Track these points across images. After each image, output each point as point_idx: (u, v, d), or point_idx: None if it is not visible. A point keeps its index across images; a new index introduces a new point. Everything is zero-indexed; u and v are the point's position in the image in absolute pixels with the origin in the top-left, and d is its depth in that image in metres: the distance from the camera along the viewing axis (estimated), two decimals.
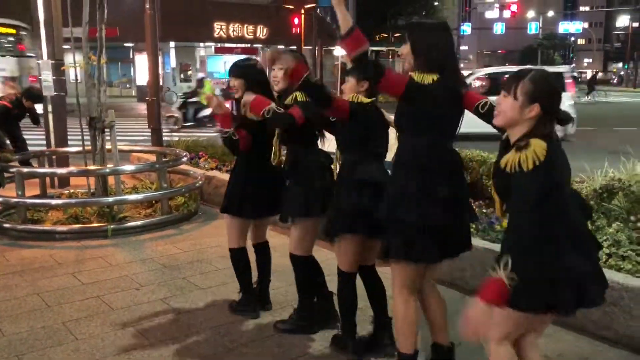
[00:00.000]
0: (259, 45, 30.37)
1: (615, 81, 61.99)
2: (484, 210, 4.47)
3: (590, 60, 70.64)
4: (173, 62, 30.92)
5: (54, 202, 6.06)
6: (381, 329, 3.10)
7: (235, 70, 3.43)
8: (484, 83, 14.33)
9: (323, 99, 2.77)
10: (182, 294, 4.01)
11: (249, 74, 3.38)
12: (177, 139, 9.17)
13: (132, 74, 29.64)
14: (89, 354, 3.17)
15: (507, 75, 2.19)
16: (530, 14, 57.31)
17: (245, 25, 29.27)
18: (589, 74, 59.06)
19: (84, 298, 3.95)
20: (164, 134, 7.39)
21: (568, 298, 1.97)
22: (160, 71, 15.29)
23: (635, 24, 54.20)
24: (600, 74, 62.39)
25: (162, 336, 3.37)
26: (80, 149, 6.36)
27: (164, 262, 4.69)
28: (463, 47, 57.11)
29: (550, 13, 62.28)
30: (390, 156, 3.07)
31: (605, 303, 2.51)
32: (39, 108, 8.06)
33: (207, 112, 12.95)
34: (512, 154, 2.00)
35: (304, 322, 3.36)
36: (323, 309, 3.42)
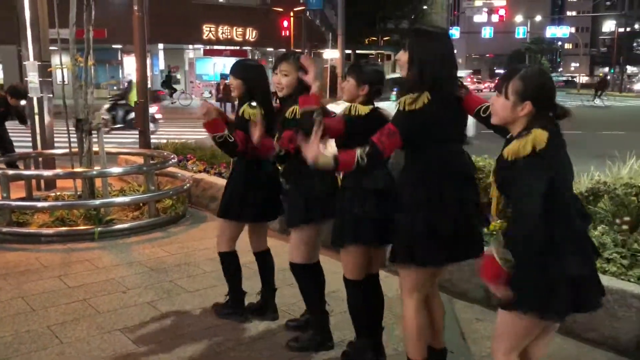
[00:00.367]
0: (248, 48, 30.34)
1: None
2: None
3: (577, 64, 71.42)
4: (162, 64, 30.83)
5: (39, 204, 6.00)
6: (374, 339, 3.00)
7: (236, 69, 3.36)
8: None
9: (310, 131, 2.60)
10: (169, 297, 3.98)
11: (249, 76, 3.33)
12: (165, 141, 9.13)
13: (120, 76, 29.47)
14: (75, 358, 3.14)
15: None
16: (518, 18, 57.73)
17: (235, 28, 29.22)
18: (580, 78, 59.66)
19: (70, 301, 3.91)
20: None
21: (564, 301, 1.97)
22: (149, 73, 15.24)
23: (621, 29, 54.75)
24: (586, 78, 63.08)
25: (149, 340, 3.35)
26: (67, 151, 6.31)
27: (151, 265, 4.66)
28: None
29: (538, 18, 62.85)
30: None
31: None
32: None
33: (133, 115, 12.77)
34: (514, 143, 2.01)
35: (318, 337, 3.20)
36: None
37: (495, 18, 47.98)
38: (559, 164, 2.01)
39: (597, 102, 29.98)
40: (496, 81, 2.21)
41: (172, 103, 26.98)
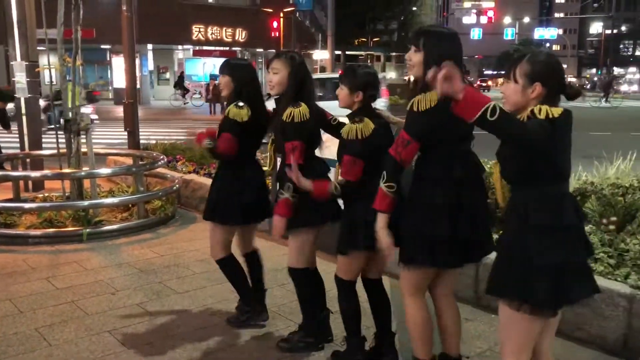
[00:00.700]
0: (238, 49, 30.28)
1: (588, 87, 63.17)
2: None
3: (565, 65, 71.53)
4: (151, 64, 30.66)
5: (27, 205, 5.95)
6: (385, 344, 2.97)
7: (225, 67, 3.31)
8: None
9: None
10: (158, 299, 3.97)
11: (237, 73, 3.28)
12: (154, 142, 9.09)
13: (109, 76, 29.28)
14: None
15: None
16: (507, 20, 58.10)
17: (224, 28, 29.15)
18: (569, 79, 60.13)
19: (58, 303, 3.88)
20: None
21: (545, 293, 1.98)
22: (138, 74, 15.16)
23: (608, 31, 55.34)
24: (574, 79, 63.54)
25: (138, 341, 3.33)
26: (55, 151, 6.26)
27: (140, 267, 4.63)
28: None
29: (526, 19, 63.29)
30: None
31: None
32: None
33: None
34: (523, 112, 2.01)
35: (310, 339, 3.16)
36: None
37: (484, 19, 48.33)
38: (563, 137, 1.99)
39: (603, 104, 30.22)
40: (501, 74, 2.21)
41: (184, 104, 26.84)
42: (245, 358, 3.16)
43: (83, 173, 5.87)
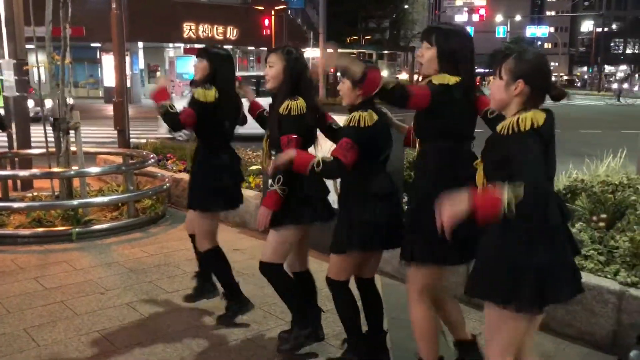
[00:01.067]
0: (229, 47, 30.18)
1: (579, 84, 63.59)
2: None
3: (557, 63, 72.31)
4: (141, 63, 30.51)
5: (16, 205, 5.89)
6: (377, 343, 2.96)
7: (205, 51, 3.34)
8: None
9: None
10: (148, 298, 3.94)
11: (216, 61, 3.31)
12: (144, 141, 9.04)
13: (99, 74, 29.10)
14: None
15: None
16: (499, 18, 58.29)
17: (215, 26, 29.06)
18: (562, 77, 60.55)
19: (47, 303, 3.85)
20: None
21: (530, 293, 1.97)
22: (128, 72, 15.08)
23: (599, 29, 55.59)
24: (565, 77, 63.93)
25: (128, 341, 3.31)
26: (44, 150, 6.21)
27: (130, 266, 4.60)
28: None
29: (518, 17, 63.41)
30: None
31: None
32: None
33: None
34: (508, 119, 2.00)
35: (305, 332, 3.08)
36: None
37: (475, 17, 48.55)
38: (550, 147, 2.00)
39: (617, 102, 31.10)
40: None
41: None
42: (236, 357, 3.14)
43: (72, 172, 5.83)
